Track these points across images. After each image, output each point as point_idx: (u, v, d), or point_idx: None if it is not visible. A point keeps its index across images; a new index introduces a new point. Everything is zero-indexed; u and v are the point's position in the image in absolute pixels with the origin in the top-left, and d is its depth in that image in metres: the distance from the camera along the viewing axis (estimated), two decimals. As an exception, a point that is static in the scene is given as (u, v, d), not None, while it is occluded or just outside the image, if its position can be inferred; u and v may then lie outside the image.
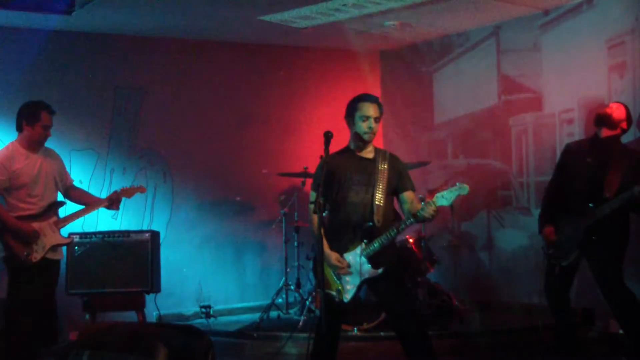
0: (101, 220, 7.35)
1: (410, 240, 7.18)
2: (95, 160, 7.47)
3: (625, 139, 5.86)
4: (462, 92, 8.30)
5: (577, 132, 7.19)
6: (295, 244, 7.67)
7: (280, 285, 7.58)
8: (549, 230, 5.67)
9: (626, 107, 5.68)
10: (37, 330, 5.42)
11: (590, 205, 5.41)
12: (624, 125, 5.64)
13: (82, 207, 5.81)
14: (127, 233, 6.76)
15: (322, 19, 7.37)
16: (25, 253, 5.32)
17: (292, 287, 7.50)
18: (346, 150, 4.76)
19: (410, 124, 8.86)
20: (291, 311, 7.50)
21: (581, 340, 5.96)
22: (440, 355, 6.25)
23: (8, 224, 5.32)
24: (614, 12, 6.86)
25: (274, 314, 7.51)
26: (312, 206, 4.68)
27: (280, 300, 7.53)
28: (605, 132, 5.62)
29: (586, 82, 7.08)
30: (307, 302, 7.08)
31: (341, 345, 6.25)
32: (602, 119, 5.64)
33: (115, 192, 5.85)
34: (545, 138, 7.48)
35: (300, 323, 6.86)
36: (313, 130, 7.75)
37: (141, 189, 6.08)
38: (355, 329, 6.58)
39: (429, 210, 4.42)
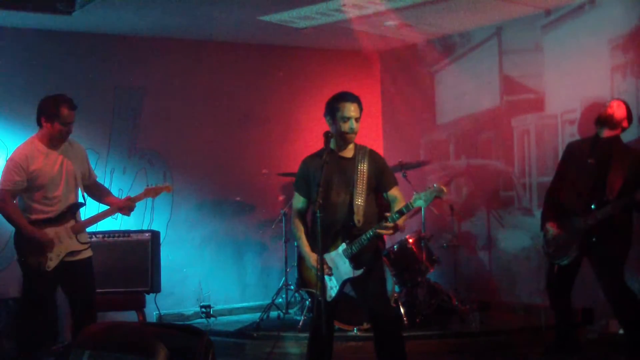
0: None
1: (410, 240, 7.18)
2: (95, 161, 7.45)
3: (629, 137, 5.85)
4: (464, 92, 8.26)
5: (579, 133, 7.17)
6: (295, 243, 7.66)
7: (280, 285, 7.58)
8: (552, 224, 5.66)
9: (626, 104, 5.66)
10: (45, 331, 5.37)
11: (592, 206, 5.41)
12: (624, 124, 5.63)
13: (99, 210, 5.54)
14: (127, 233, 6.77)
15: (322, 19, 7.37)
16: (38, 262, 5.10)
17: (292, 287, 7.49)
18: (325, 150, 4.75)
19: (410, 124, 8.85)
20: (291, 311, 7.49)
21: (581, 340, 5.97)
22: (440, 355, 6.31)
23: (23, 231, 5.11)
24: (616, 12, 6.82)
25: (274, 314, 7.51)
26: (297, 206, 4.83)
27: (280, 300, 7.53)
28: (606, 133, 5.61)
29: (588, 82, 7.04)
30: (307, 302, 7.09)
31: (341, 345, 6.31)
32: (603, 120, 5.62)
33: (129, 198, 5.49)
34: (547, 139, 7.45)
35: (300, 323, 6.86)
36: (313, 130, 7.75)
37: (167, 188, 5.70)
38: (355, 329, 6.58)
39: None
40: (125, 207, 5.42)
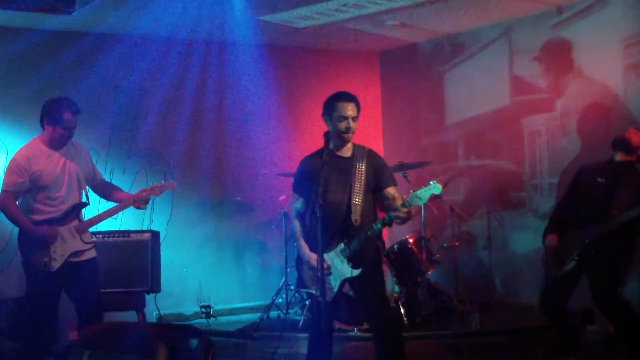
0: (101, 220, 7.34)
1: (410, 240, 7.18)
2: (95, 160, 7.42)
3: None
4: (473, 92, 8.15)
5: (578, 133, 7.14)
6: (295, 243, 7.65)
7: (281, 285, 7.58)
8: (552, 237, 5.68)
9: None
10: (46, 331, 5.36)
11: (597, 222, 5.41)
12: None
13: (104, 209, 5.47)
14: (127, 233, 6.76)
15: (322, 19, 7.38)
16: (43, 262, 5.07)
17: (292, 287, 7.48)
18: (324, 150, 4.73)
19: (410, 124, 8.84)
20: (291, 311, 7.49)
21: (581, 340, 5.97)
22: (440, 355, 6.31)
23: (27, 231, 5.09)
24: (629, 11, 6.73)
25: (274, 314, 7.51)
26: (296, 207, 4.82)
27: (280, 300, 7.53)
28: (620, 157, 5.60)
29: (601, 82, 6.93)
30: (307, 302, 7.08)
31: (341, 345, 6.31)
32: (619, 143, 5.61)
33: (144, 190, 5.39)
34: (558, 139, 7.38)
35: (300, 323, 6.86)
36: (313, 130, 7.75)
37: (171, 186, 5.66)
38: (355, 329, 6.58)
39: (398, 214, 4.47)
40: (140, 199, 5.34)
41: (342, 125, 4.65)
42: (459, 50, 8.30)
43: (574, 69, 7.24)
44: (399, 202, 4.54)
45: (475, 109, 8.17)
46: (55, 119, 5.11)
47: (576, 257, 5.50)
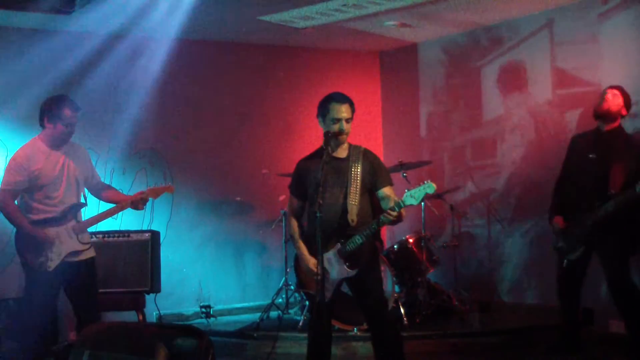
0: (101, 220, 7.34)
1: (410, 240, 7.19)
2: (95, 161, 7.45)
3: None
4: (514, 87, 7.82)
5: None
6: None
7: (280, 285, 7.58)
8: (557, 219, 5.67)
9: (621, 90, 5.58)
10: (46, 332, 5.36)
11: (597, 203, 5.40)
12: (623, 112, 5.58)
13: (103, 210, 5.49)
14: (127, 233, 6.76)
15: (322, 19, 7.38)
16: (39, 262, 5.09)
17: (292, 287, 7.49)
18: (320, 151, 4.74)
19: (411, 124, 8.83)
20: (291, 311, 7.50)
21: (581, 340, 5.97)
22: (440, 355, 6.31)
23: (24, 231, 5.11)
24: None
25: (274, 314, 7.51)
26: (293, 208, 4.84)
27: (280, 300, 7.53)
28: (607, 126, 5.58)
29: None
30: (307, 302, 7.08)
31: (341, 345, 6.31)
32: (600, 116, 5.60)
33: (142, 192, 5.43)
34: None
35: (300, 323, 6.87)
36: (313, 130, 7.73)
37: (169, 189, 5.64)
38: (355, 329, 6.58)
39: (390, 217, 4.48)
40: (137, 201, 5.36)
41: (336, 127, 4.65)
42: (497, 42, 7.95)
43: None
44: (391, 204, 4.55)
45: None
46: (56, 116, 5.12)
47: (585, 240, 5.48)
